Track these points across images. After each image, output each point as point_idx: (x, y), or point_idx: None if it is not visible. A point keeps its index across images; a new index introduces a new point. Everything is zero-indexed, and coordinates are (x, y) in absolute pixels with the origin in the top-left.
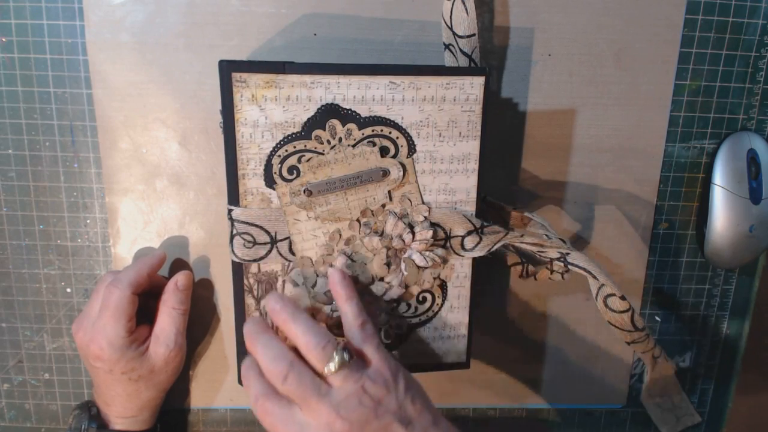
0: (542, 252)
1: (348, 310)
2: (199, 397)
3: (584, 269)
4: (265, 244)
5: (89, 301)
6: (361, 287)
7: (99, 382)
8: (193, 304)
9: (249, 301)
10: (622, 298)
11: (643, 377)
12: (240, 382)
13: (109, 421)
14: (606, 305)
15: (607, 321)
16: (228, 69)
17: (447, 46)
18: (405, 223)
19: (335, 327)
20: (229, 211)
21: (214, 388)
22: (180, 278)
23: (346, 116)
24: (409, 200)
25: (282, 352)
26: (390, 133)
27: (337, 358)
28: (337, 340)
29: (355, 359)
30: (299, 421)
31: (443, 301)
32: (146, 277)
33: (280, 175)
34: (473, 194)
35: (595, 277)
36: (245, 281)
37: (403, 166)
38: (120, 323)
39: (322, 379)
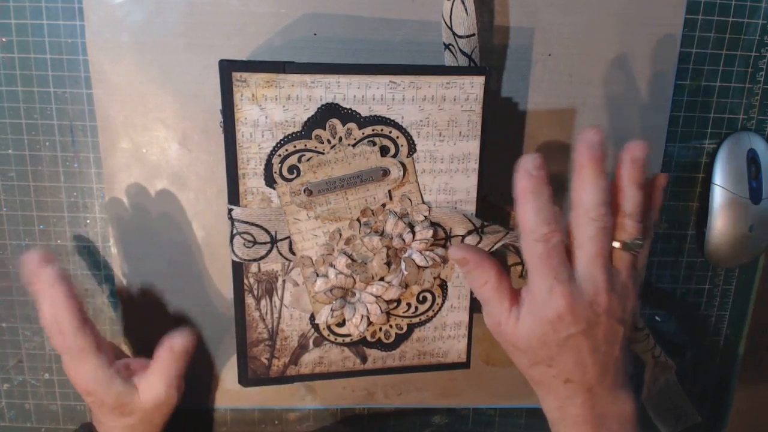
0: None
1: (636, 198)
2: (199, 398)
3: None
4: (265, 243)
5: None
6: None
7: (95, 412)
8: (193, 304)
9: (249, 300)
10: None
11: (643, 377)
12: (240, 381)
13: None
14: None
15: None
16: (228, 68)
17: (447, 46)
18: (405, 223)
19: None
20: (229, 210)
21: (214, 388)
22: (177, 341)
23: (347, 116)
24: (410, 200)
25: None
26: (390, 132)
27: (635, 241)
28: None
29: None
30: (574, 271)
31: (443, 300)
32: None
33: (281, 174)
34: (473, 194)
35: None
36: (245, 281)
37: (404, 165)
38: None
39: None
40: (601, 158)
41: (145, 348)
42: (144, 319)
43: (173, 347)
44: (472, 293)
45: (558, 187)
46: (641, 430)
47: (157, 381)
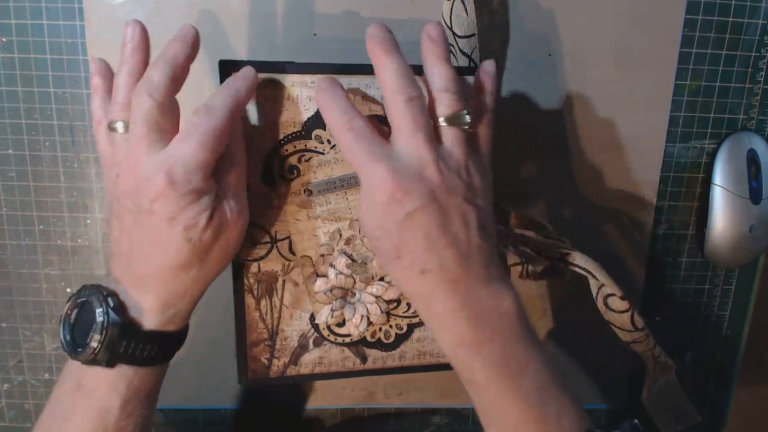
0: (542, 252)
1: (441, 73)
2: (199, 397)
3: (584, 269)
4: (265, 243)
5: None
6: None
7: (141, 245)
8: None
9: (249, 300)
10: (623, 298)
11: (644, 377)
12: (240, 382)
13: (139, 315)
14: (606, 305)
15: (607, 321)
16: (228, 68)
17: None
18: None
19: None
20: None
21: (214, 388)
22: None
23: None
24: None
25: (417, 82)
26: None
27: (459, 115)
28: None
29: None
30: (393, 151)
31: None
32: (244, 105)
33: (281, 174)
34: None
35: (595, 277)
36: (245, 281)
37: None
38: (209, 153)
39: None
40: (390, 40)
41: None
42: None
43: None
44: None
45: (557, 187)
46: (533, 336)
47: (234, 192)
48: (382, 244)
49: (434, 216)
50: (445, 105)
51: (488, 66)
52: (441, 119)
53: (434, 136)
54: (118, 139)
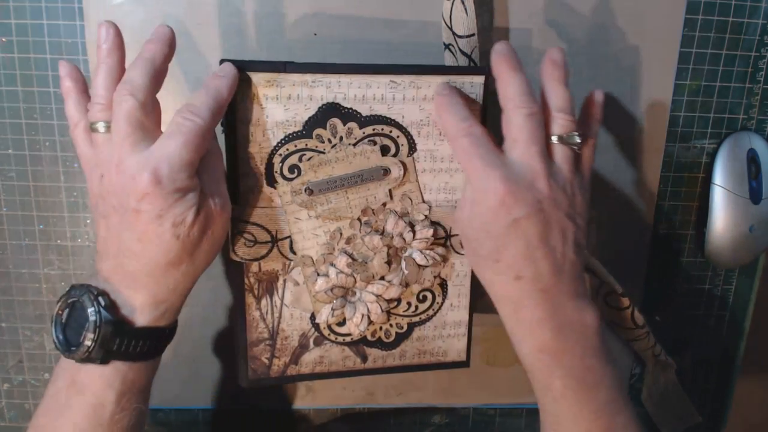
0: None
1: (559, 93)
2: (199, 397)
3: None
4: (265, 243)
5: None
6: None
7: (129, 243)
8: (193, 304)
9: (249, 300)
10: (622, 295)
11: (644, 377)
12: (240, 382)
13: (131, 313)
14: (606, 303)
15: (608, 319)
16: None
17: (447, 46)
18: (405, 222)
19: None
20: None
21: (214, 388)
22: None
23: (347, 115)
24: (410, 199)
25: (536, 99)
26: (391, 132)
27: (571, 135)
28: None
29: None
30: (508, 160)
31: (443, 299)
32: (225, 103)
33: (281, 173)
34: None
35: (594, 275)
36: (246, 280)
37: (404, 164)
38: (193, 152)
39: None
40: (515, 58)
41: None
42: None
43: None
44: (472, 292)
45: None
46: (609, 352)
47: (214, 160)
48: (482, 246)
49: (538, 226)
50: (559, 124)
51: (598, 96)
52: (554, 138)
53: (547, 151)
54: (101, 140)
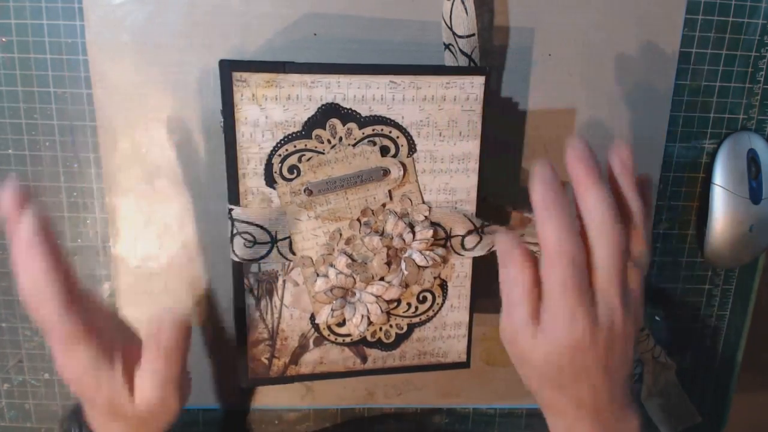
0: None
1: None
2: (199, 398)
3: None
4: (265, 243)
5: None
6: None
7: (85, 408)
8: (193, 304)
9: (249, 300)
10: None
11: (643, 377)
12: (240, 382)
13: None
14: None
15: None
16: (228, 68)
17: (447, 46)
18: (405, 223)
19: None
20: (230, 210)
21: (214, 388)
22: (164, 334)
23: (347, 115)
24: (410, 200)
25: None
26: (390, 132)
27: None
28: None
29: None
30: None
31: (443, 300)
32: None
33: (281, 174)
34: (473, 194)
35: None
36: (245, 281)
37: (404, 165)
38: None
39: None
40: (597, 168)
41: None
42: (144, 318)
43: (161, 342)
44: (472, 292)
45: None
46: None
47: (148, 382)
48: (551, 376)
49: (606, 363)
50: (636, 247)
51: (647, 179)
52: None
53: (626, 279)
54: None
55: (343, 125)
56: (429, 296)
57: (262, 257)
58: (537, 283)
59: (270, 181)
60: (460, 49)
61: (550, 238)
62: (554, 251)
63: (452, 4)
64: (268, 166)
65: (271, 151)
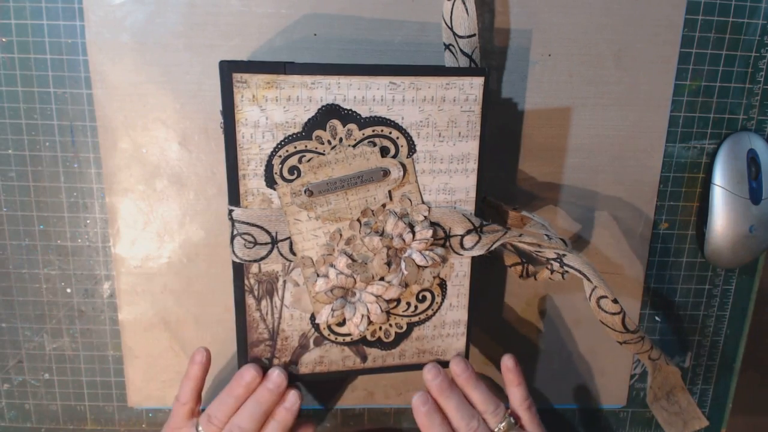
0: (540, 252)
1: (518, 393)
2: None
3: (578, 271)
4: (265, 244)
5: None
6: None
7: None
8: (193, 305)
9: (250, 301)
10: (614, 301)
11: (645, 377)
12: None
13: None
14: (599, 306)
15: (600, 320)
16: (228, 69)
17: (447, 47)
18: (405, 223)
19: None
20: (230, 211)
21: (214, 389)
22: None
23: (347, 116)
24: (409, 200)
25: (473, 412)
26: (390, 133)
27: (505, 422)
28: (506, 408)
29: (518, 426)
30: None
31: (443, 299)
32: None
33: (281, 175)
34: (472, 194)
35: (588, 280)
36: (246, 281)
37: (403, 166)
38: None
39: None
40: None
41: (143, 348)
42: (144, 319)
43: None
44: (471, 291)
45: (556, 187)
46: None
47: None
48: None
49: None
50: (492, 421)
51: (508, 362)
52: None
53: None
54: None
55: (344, 126)
56: (428, 295)
57: (263, 258)
58: None
59: (270, 182)
60: (461, 50)
61: (456, 417)
62: (459, 423)
63: (453, 5)
64: (269, 167)
65: (272, 152)
